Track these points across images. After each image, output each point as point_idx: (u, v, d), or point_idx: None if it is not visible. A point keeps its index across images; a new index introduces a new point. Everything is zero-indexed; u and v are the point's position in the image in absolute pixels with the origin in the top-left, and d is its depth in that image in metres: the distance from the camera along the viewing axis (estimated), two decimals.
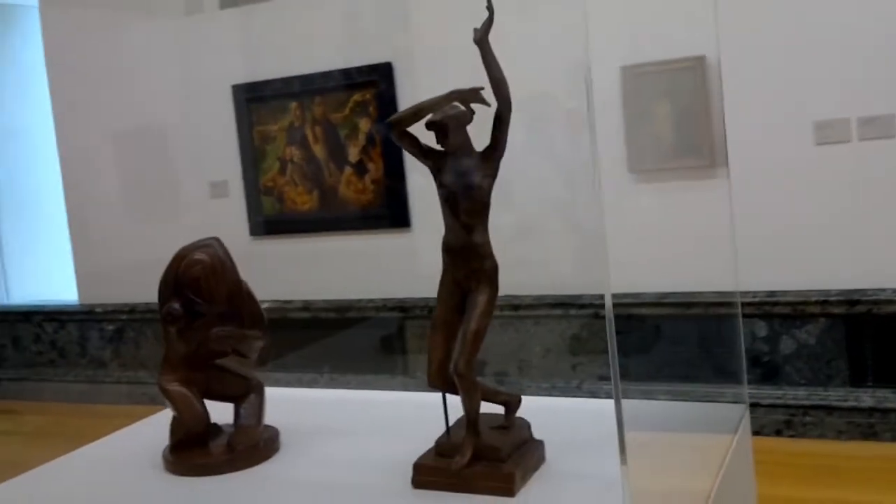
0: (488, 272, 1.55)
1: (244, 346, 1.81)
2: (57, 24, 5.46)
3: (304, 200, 5.01)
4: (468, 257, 1.54)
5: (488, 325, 1.54)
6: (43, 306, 5.87)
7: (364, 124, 4.79)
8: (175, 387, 1.78)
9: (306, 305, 5.08)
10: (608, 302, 1.26)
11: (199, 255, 1.76)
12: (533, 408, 1.69)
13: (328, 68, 4.78)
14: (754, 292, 4.05)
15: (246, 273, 5.39)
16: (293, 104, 4.92)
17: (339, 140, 4.85)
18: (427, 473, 1.56)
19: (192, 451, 1.77)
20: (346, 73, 4.76)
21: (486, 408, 1.60)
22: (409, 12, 4.60)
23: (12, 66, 5.96)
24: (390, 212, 4.80)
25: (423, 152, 1.53)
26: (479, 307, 1.54)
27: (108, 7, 5.12)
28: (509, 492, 1.49)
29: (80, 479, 1.80)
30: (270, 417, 1.87)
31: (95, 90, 5.34)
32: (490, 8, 1.45)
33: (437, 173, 1.54)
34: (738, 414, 1.80)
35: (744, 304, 3.99)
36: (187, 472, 1.74)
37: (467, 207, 1.51)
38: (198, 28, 5.05)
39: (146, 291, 5.29)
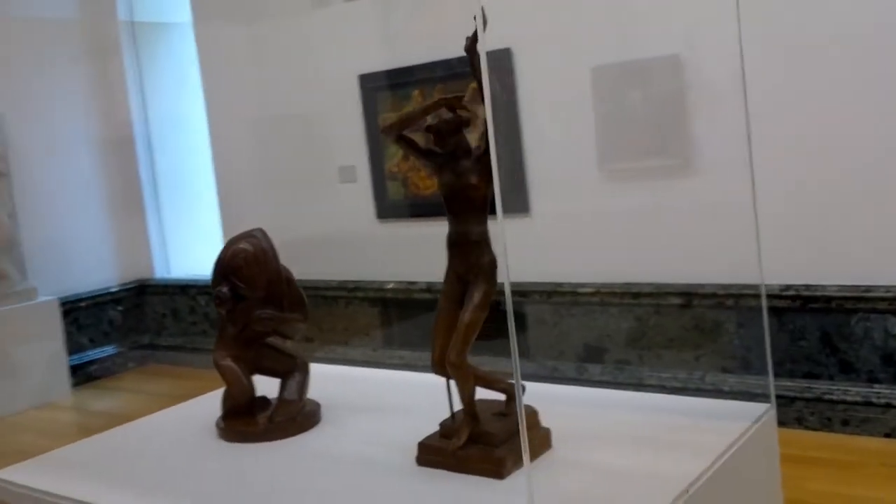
0: (485, 267, 1.64)
1: (285, 327, 1.98)
2: (208, 34, 5.88)
3: (426, 185, 5.17)
4: (467, 252, 1.63)
5: (482, 318, 1.63)
6: (197, 280, 6.37)
7: (482, 111, 4.88)
8: (226, 362, 1.98)
9: (429, 287, 5.24)
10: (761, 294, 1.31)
11: (243, 245, 1.93)
12: (564, 396, 1.76)
13: (448, 56, 4.90)
14: (887, 287, 3.83)
15: (373, 254, 5.80)
16: (415, 92, 5.08)
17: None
18: (429, 453, 1.68)
19: (240, 420, 1.97)
20: (465, 60, 4.85)
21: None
22: None
23: (170, 70, 6.47)
24: (510, 197, 4.87)
25: (422, 154, 1.63)
26: (474, 301, 1.63)
27: (249, 10, 5.48)
28: (499, 475, 1.59)
29: (148, 439, 2.04)
30: (328, 392, 2.03)
31: (240, 83, 5.74)
32: (481, 17, 1.52)
33: (437, 173, 1.64)
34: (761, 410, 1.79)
35: (879, 299, 3.81)
36: (233, 438, 1.94)
37: (464, 205, 1.61)
38: (326, 21, 5.30)
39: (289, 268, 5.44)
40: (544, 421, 1.74)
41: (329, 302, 5.71)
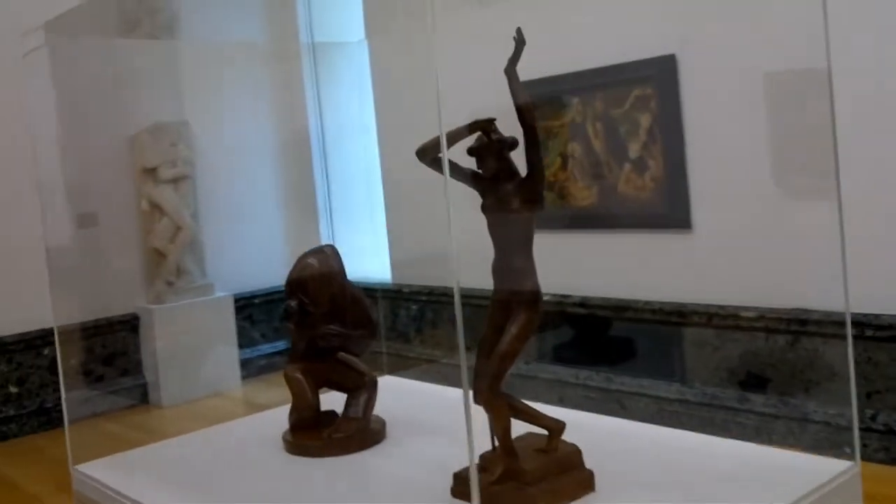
0: (527, 296, 1.53)
1: (349, 344, 1.94)
2: (380, 50, 6.02)
3: (583, 196, 5.00)
4: (508, 281, 1.53)
5: (520, 350, 1.51)
6: (364, 283, 6.53)
7: (645, 120, 4.65)
8: (295, 375, 1.96)
9: (583, 301, 5.07)
10: None
11: (310, 260, 1.92)
12: (637, 435, 1.63)
13: (609, 63, 4.71)
14: None
15: None
16: (575, 100, 4.92)
17: (619, 136, 4.77)
18: (463, 485, 1.60)
19: (304, 434, 1.95)
20: (626, 67, 4.65)
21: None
22: (693, 1, 4.37)
23: (345, 84, 6.68)
24: (670, 211, 4.61)
25: (468, 177, 1.55)
26: (511, 332, 1.53)
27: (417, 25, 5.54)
28: None
29: (220, 446, 2.07)
30: (411, 409, 1.98)
31: (406, 94, 5.82)
32: (518, 39, 1.45)
33: (482, 197, 1.55)
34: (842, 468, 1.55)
35: None
36: (294, 451, 1.93)
37: (506, 231, 1.51)
38: (484, 25, 5.25)
39: (444, 276, 5.67)
40: (601, 462, 1.59)
41: (481, 312, 5.65)
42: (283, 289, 6.27)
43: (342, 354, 1.98)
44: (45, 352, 5.44)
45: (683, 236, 4.61)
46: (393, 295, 6.26)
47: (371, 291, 6.41)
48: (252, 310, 6.44)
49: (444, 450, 1.87)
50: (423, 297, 5.97)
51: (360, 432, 1.92)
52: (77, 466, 2.01)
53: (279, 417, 2.12)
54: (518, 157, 1.62)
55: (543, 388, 5.31)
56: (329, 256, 1.95)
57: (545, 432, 1.63)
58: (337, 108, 6.70)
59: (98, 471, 1.97)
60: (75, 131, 5.39)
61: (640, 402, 4.84)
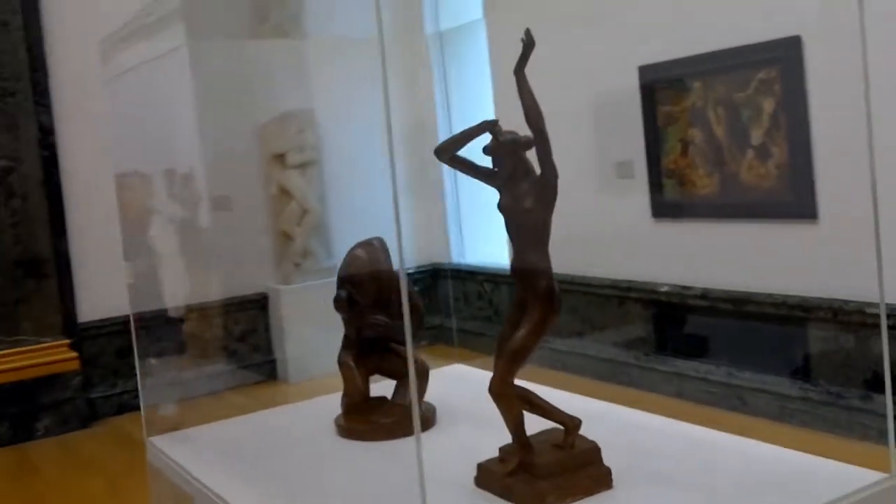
0: (541, 295, 1.53)
1: (395, 334, 1.99)
2: (498, 29, 6.00)
3: (704, 184, 4.83)
4: (523, 278, 1.55)
5: (532, 348, 1.51)
6: (484, 268, 6.58)
7: (768, 104, 4.44)
8: (346, 361, 2.03)
9: (704, 293, 4.91)
10: None
11: (358, 252, 1.98)
12: (664, 432, 1.62)
13: (732, 45, 4.51)
14: None
15: (647, 254, 5.61)
16: (696, 84, 4.75)
17: (742, 121, 4.57)
18: (484, 475, 1.62)
19: (354, 418, 2.01)
20: (749, 49, 4.44)
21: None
22: None
23: (469, 64, 6.71)
24: (795, 201, 4.39)
25: (485, 175, 1.58)
26: (525, 328, 1.54)
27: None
28: None
29: (280, 426, 2.16)
30: (466, 397, 2.02)
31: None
32: (526, 40, 1.46)
33: (499, 195, 1.58)
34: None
35: None
36: (343, 434, 2.00)
37: (521, 229, 1.53)
38: (608, 11, 5.13)
39: (559, 264, 5.66)
40: (625, 459, 1.58)
41: (601, 300, 5.58)
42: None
43: (392, 343, 2.03)
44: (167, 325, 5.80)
45: (808, 227, 4.38)
46: (510, 280, 6.26)
47: (491, 277, 6.46)
48: None
49: (487, 440, 1.88)
50: None
51: (407, 418, 1.96)
52: (150, 438, 2.15)
53: (335, 402, 2.19)
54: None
55: (662, 380, 5.19)
56: (377, 249, 2.00)
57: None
58: (463, 91, 6.75)
59: (166, 443, 2.10)
60: (210, 121, 5.70)
61: (761, 398, 4.66)
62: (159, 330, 5.81)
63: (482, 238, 6.79)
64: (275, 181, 6.01)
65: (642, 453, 1.68)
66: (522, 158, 1.54)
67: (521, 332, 1.54)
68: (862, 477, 1.49)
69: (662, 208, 5.08)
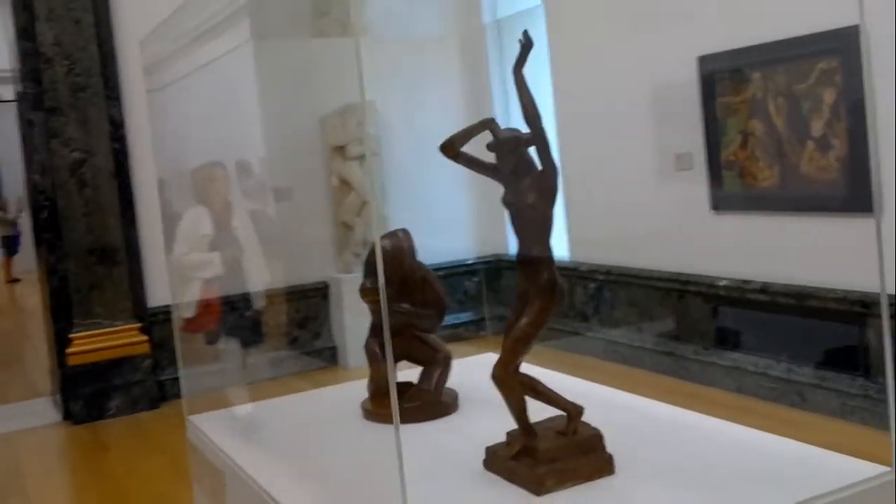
0: (543, 287, 1.58)
1: (418, 321, 2.05)
2: (556, 16, 5.99)
3: (764, 176, 4.75)
4: (526, 270, 1.60)
5: (533, 336, 1.56)
6: None
7: (829, 95, 4.34)
8: (372, 348, 2.10)
9: (764, 288, 4.84)
10: None
11: (383, 242, 2.04)
12: (671, 421, 1.64)
13: (793, 34, 4.42)
14: None
15: (706, 247, 5.61)
16: (756, 74, 4.67)
17: (802, 112, 4.47)
18: (491, 458, 1.68)
19: (379, 402, 2.08)
20: (811, 39, 4.34)
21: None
22: None
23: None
24: (856, 194, 4.29)
25: (489, 170, 1.63)
26: (526, 318, 1.59)
27: None
28: (536, 491, 1.57)
29: (308, 409, 2.24)
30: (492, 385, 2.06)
31: (585, 63, 5.77)
32: (524, 41, 1.50)
33: (503, 191, 1.63)
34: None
35: None
36: (368, 417, 2.08)
37: (524, 224, 1.57)
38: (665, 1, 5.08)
39: (622, 255, 5.67)
40: (631, 447, 1.61)
41: (661, 294, 5.53)
42: (465, 262, 6.48)
43: (422, 332, 2.09)
44: (247, 313, 5.97)
45: (870, 221, 4.26)
46: (570, 273, 6.26)
47: None
48: None
49: (503, 425, 1.92)
50: (601, 277, 5.93)
51: (429, 403, 2.01)
52: (189, 417, 2.26)
53: (355, 389, 2.26)
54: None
55: (721, 375, 5.13)
56: (401, 239, 2.06)
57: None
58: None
59: (205, 422, 2.20)
60: (274, 114, 5.84)
61: (820, 394, 4.57)
62: (224, 316, 6.00)
63: None
64: (335, 172, 6.13)
65: (650, 442, 1.71)
66: (524, 155, 1.59)
67: (523, 322, 1.59)
68: (862, 469, 1.49)
69: (721, 201, 5.01)
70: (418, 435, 1.93)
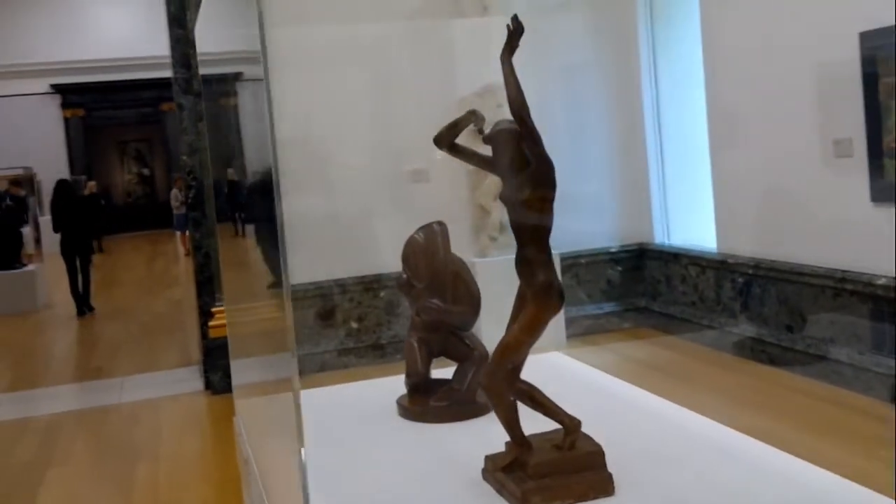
0: (536, 289, 1.45)
1: (449, 318, 1.94)
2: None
3: None
4: (523, 272, 1.48)
5: (524, 343, 1.43)
6: (689, 250, 6.23)
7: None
8: (410, 342, 2.02)
9: None
10: None
11: (416, 235, 1.94)
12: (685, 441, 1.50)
13: None
14: None
15: (864, 242, 5.38)
16: None
17: None
18: (489, 467, 1.59)
19: (413, 398, 2.00)
20: None
21: None
22: None
23: (679, 39, 6.33)
24: None
25: (486, 163, 1.54)
26: (518, 323, 1.48)
27: None
28: None
29: (346, 402, 2.19)
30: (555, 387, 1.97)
31: (739, 43, 5.38)
32: (512, 26, 1.36)
33: (502, 186, 1.52)
34: None
35: None
36: (401, 413, 2.00)
37: (518, 222, 1.46)
38: None
39: (772, 248, 5.38)
40: (635, 463, 1.47)
41: (815, 291, 5.08)
42: (608, 250, 6.24)
43: (462, 330, 1.98)
44: (381, 294, 6.04)
45: None
46: (717, 265, 5.89)
47: (696, 260, 6.09)
48: (578, 269, 6.48)
49: (532, 432, 1.80)
50: (750, 270, 5.53)
51: (459, 403, 1.90)
52: (237, 399, 2.26)
53: (394, 383, 2.18)
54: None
55: (875, 382, 4.66)
56: (435, 233, 1.94)
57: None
58: (671, 55, 6.39)
59: (245, 407, 2.20)
60: (412, 95, 5.84)
61: None
62: (358, 296, 6.11)
63: (688, 219, 6.42)
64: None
65: (671, 462, 1.53)
66: (519, 149, 1.45)
67: (515, 327, 1.46)
68: (863, 499, 1.27)
69: (882, 191, 4.52)
70: (436, 435, 1.84)
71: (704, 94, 5.74)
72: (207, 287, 5.64)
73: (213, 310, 5.56)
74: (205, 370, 5.69)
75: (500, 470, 1.49)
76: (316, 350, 5.96)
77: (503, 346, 1.45)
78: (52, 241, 15.23)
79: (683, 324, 6.24)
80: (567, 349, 6.02)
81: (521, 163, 1.46)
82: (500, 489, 1.48)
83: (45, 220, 16.65)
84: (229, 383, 5.56)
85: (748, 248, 5.60)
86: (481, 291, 1.99)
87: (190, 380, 5.97)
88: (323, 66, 5.89)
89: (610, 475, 1.45)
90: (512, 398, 1.48)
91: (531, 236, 1.47)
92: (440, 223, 1.97)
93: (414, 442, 1.82)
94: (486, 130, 1.54)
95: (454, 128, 1.57)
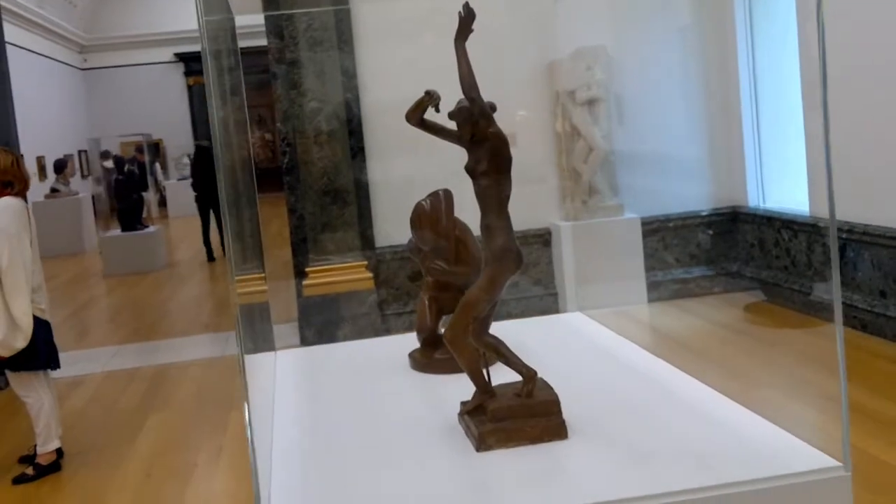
0: (495, 252, 1.60)
1: (451, 279, 2.10)
2: None
3: None
4: (485, 236, 1.61)
5: (483, 301, 1.59)
6: (782, 214, 6.09)
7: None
8: (422, 299, 2.19)
9: None
10: None
11: (423, 201, 2.10)
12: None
13: None
14: None
15: None
16: None
17: None
18: (461, 411, 1.75)
19: (425, 351, 2.18)
20: None
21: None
22: None
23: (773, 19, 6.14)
24: None
25: (453, 137, 1.66)
26: (477, 283, 1.62)
27: None
28: (476, 447, 1.62)
29: (365, 354, 2.38)
30: (550, 346, 2.11)
31: (831, 15, 5.17)
32: (464, 13, 1.49)
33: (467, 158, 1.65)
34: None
35: None
36: (412, 366, 2.19)
37: (479, 192, 1.62)
38: None
39: (867, 212, 5.37)
40: (599, 414, 1.65)
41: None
42: (699, 213, 6.19)
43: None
44: None
45: None
46: (809, 229, 5.74)
47: (789, 224, 5.94)
48: (665, 233, 6.44)
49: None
50: (843, 234, 5.38)
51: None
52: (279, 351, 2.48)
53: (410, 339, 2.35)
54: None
55: None
56: (440, 199, 2.09)
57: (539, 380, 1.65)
58: (770, 24, 6.20)
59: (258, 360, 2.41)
60: (496, 58, 5.91)
61: None
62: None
63: (783, 182, 6.25)
64: (564, 118, 6.09)
65: (634, 413, 1.66)
66: (479, 125, 1.58)
67: (474, 287, 1.62)
68: (817, 460, 1.35)
69: None
70: (435, 384, 2.01)
71: (798, 56, 5.58)
72: (302, 248, 5.94)
73: (308, 269, 5.87)
74: (300, 326, 6.01)
75: (466, 413, 1.64)
76: (404, 310, 6.19)
77: (463, 304, 1.60)
78: (177, 204, 16.15)
79: (774, 288, 6.12)
80: (650, 311, 6.04)
81: (482, 137, 1.59)
82: (467, 431, 1.64)
83: (171, 184, 17.60)
84: (323, 339, 5.89)
85: (843, 211, 5.43)
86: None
87: (287, 335, 6.32)
88: (412, 35, 6.04)
89: (563, 421, 1.58)
90: (475, 350, 1.63)
91: (493, 205, 1.60)
92: (446, 191, 2.11)
93: (413, 389, 1.99)
94: (441, 110, 1.66)
95: (418, 107, 1.70)
